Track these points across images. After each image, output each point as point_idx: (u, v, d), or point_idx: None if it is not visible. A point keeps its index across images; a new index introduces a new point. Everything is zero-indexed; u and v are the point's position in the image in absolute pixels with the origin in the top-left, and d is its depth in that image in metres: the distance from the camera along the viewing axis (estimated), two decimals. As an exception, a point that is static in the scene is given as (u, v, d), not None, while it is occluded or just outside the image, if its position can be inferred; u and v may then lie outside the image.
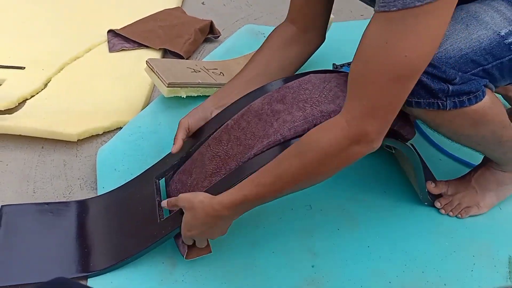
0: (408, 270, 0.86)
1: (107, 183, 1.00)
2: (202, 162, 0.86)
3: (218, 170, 0.82)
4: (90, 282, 0.83)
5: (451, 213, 0.96)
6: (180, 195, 0.79)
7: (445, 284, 0.85)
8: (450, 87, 0.71)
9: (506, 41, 0.75)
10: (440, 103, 0.73)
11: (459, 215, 0.95)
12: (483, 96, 0.75)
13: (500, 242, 0.91)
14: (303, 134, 0.74)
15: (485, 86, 0.75)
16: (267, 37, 0.98)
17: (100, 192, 0.98)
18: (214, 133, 0.87)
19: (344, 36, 1.47)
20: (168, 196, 0.89)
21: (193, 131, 0.90)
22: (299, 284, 0.84)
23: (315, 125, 0.75)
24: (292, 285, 0.84)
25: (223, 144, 0.84)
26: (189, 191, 0.83)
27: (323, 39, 1.01)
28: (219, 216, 0.75)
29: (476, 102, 0.74)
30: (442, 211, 0.96)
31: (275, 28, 0.98)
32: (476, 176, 0.96)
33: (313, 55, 1.29)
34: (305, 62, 1.00)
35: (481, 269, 0.87)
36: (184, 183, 0.87)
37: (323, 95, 0.80)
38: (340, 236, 0.92)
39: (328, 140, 0.68)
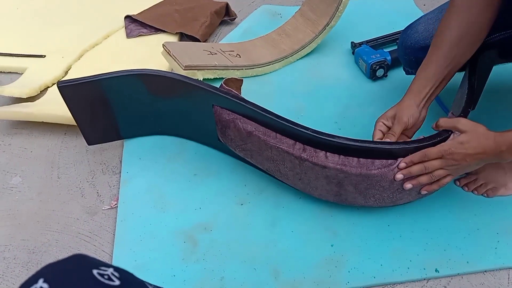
0: (430, 248, 0.85)
1: (131, 169, 1.02)
2: (276, 161, 0.87)
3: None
4: (114, 261, 0.85)
5: (475, 192, 0.93)
6: (459, 118, 0.77)
7: (467, 262, 0.83)
8: None
9: None
10: None
11: (485, 194, 0.93)
12: None
13: (526, 219, 0.89)
14: None
15: None
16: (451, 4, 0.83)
17: (124, 177, 1.00)
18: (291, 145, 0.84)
19: (361, 13, 1.44)
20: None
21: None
22: (319, 263, 0.84)
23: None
24: (311, 264, 0.84)
25: (300, 176, 0.86)
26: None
27: None
28: (496, 150, 0.73)
29: None
30: (465, 188, 0.94)
31: None
32: None
33: (330, 33, 1.27)
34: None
35: (505, 246, 0.85)
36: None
37: (390, 196, 0.83)
38: (359, 216, 0.91)
39: None
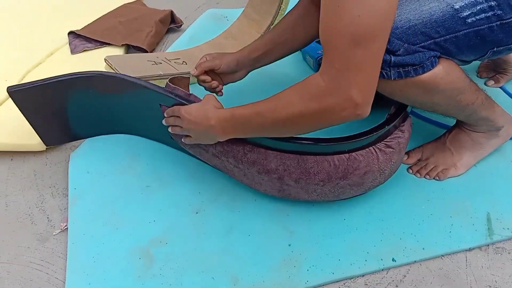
0: (385, 238, 0.86)
1: (79, 185, 0.99)
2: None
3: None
4: (68, 287, 0.83)
5: (427, 176, 0.95)
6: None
7: (423, 248, 0.84)
8: (393, 58, 0.71)
9: (460, 14, 0.72)
10: (384, 73, 0.73)
11: (437, 178, 0.94)
12: (432, 67, 0.74)
13: (477, 200, 0.90)
14: None
15: (439, 57, 0.74)
16: (290, 10, 1.00)
17: (72, 194, 0.97)
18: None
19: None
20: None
21: (221, 70, 0.95)
22: (278, 265, 0.83)
23: None
24: (270, 267, 0.83)
25: (244, 172, 0.89)
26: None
27: None
28: (207, 123, 0.80)
29: (424, 73, 0.73)
30: (418, 175, 0.95)
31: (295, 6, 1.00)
32: (450, 138, 0.95)
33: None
34: None
35: (459, 229, 0.86)
36: None
37: (332, 191, 0.85)
38: (315, 212, 0.91)
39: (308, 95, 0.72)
